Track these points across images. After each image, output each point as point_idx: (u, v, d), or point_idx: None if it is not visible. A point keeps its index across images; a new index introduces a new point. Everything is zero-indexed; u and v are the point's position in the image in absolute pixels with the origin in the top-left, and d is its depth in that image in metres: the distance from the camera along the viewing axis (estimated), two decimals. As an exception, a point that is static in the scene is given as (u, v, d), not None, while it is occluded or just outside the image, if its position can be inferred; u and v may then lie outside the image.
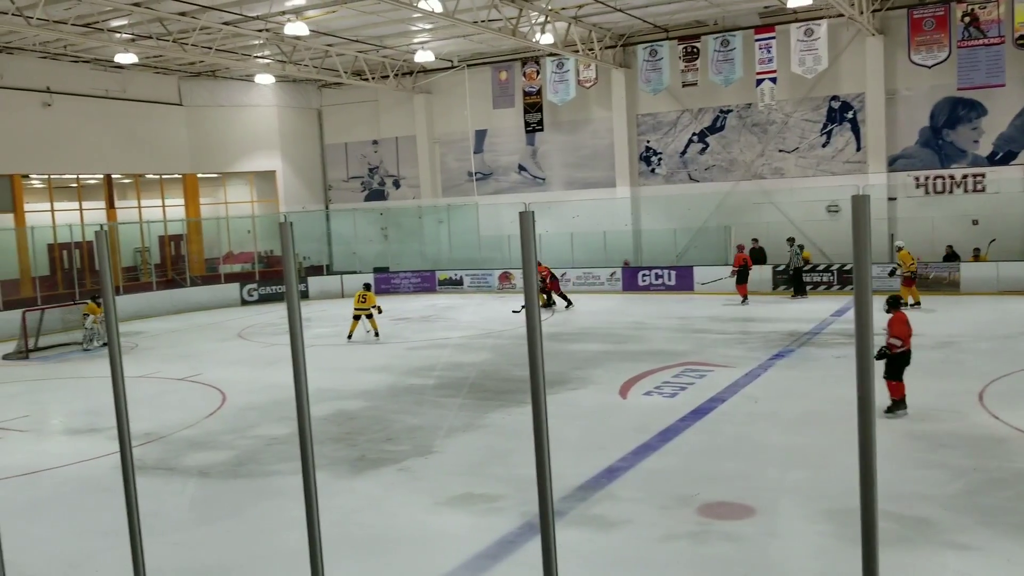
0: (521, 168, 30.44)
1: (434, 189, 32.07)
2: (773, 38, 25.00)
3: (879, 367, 10.40)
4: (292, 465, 9.56)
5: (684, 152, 27.68)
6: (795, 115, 25.91)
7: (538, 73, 28.89)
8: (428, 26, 24.75)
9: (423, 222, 32.15)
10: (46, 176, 27.76)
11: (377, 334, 19.39)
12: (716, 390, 12.56)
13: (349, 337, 19.36)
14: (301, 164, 33.16)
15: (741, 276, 22.74)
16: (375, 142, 33.13)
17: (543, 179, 30.09)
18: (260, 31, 23.37)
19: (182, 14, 21.38)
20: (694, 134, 27.47)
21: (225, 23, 22.42)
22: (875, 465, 2.41)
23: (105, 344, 19.09)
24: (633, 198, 28.28)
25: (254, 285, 29.50)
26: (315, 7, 21.79)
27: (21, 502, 9.08)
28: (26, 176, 26.99)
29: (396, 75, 30.09)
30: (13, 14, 18.85)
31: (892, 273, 21.58)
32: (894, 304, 10.74)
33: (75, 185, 29.13)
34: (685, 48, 26.40)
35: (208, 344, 20.32)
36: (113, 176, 29.66)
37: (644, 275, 26.70)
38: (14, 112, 25.49)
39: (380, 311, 19.71)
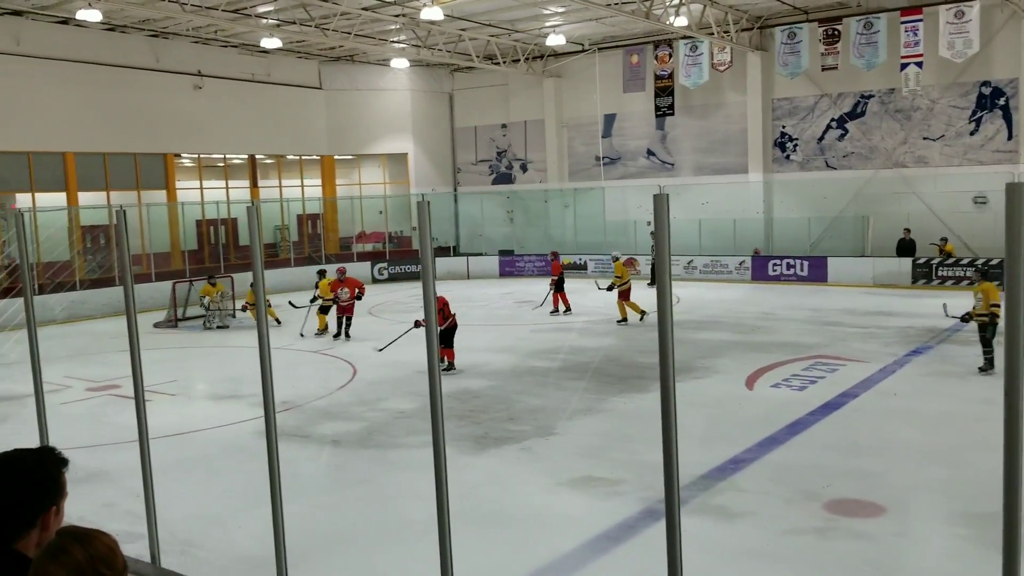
0: (650, 153, 30.07)
1: (561, 173, 32.11)
2: (920, 20, 23.69)
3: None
4: (418, 439, 9.86)
5: (821, 138, 26.68)
6: (941, 101, 24.52)
7: (670, 56, 28.41)
8: (560, 9, 24.73)
9: (549, 206, 32.26)
10: (196, 155, 29.36)
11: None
12: (848, 385, 12.14)
13: (322, 331, 18.56)
14: (432, 147, 33.83)
15: (559, 285, 21.31)
16: (504, 126, 33.42)
17: (672, 164, 29.63)
18: (397, 16, 23.94)
19: (324, 0, 22.14)
20: (832, 119, 26.42)
21: (364, 8, 23.07)
22: (1021, 468, 2.30)
23: (220, 327, 20.13)
24: (766, 184, 27.50)
25: (384, 264, 30.40)
26: (450, -8, 22.16)
27: (169, 461, 9.71)
28: (178, 155, 28.60)
29: (527, 59, 30.23)
30: (169, 1, 19.98)
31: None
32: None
33: (222, 164, 30.70)
34: (826, 31, 25.38)
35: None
36: (257, 156, 31.09)
37: (775, 264, 25.96)
38: (168, 94, 27.04)
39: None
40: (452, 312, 14.34)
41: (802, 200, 26.79)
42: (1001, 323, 11.71)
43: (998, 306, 12.05)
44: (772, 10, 25.81)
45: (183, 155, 29.00)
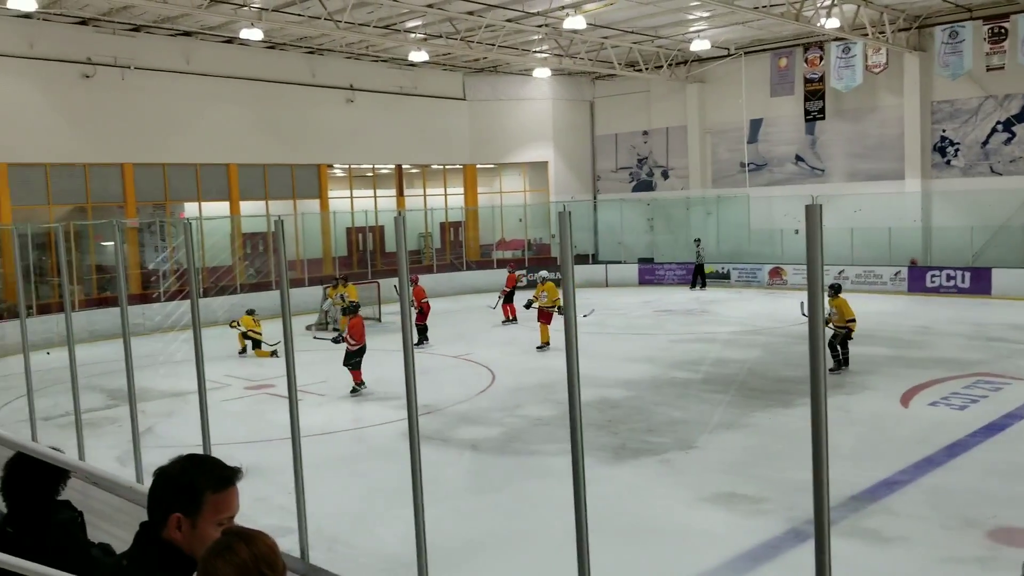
0: (798, 159, 29.05)
1: (703, 180, 31.50)
2: (1101, 12, 21.88)
3: None
4: (556, 447, 9.88)
5: (986, 142, 25.02)
6: None
7: (821, 59, 27.39)
8: (705, 14, 24.30)
9: (690, 213, 31.69)
10: (347, 166, 30.59)
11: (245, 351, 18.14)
12: (1014, 405, 11.32)
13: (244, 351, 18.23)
14: (572, 155, 33.92)
15: (508, 297, 21.76)
16: (645, 132, 33.11)
17: (822, 170, 28.52)
18: (540, 26, 24.17)
19: (470, 13, 22.61)
20: (998, 122, 24.73)
21: (508, 20, 23.42)
22: None
23: (336, 330, 20.62)
24: (924, 192, 26.03)
25: (523, 271, 30.66)
26: (594, 0, 22.13)
27: (317, 458, 10.09)
28: (330, 166, 29.87)
29: (669, 65, 29.86)
30: (325, 19, 20.93)
31: None
32: None
33: (371, 175, 31.85)
34: (991, 28, 23.81)
35: (480, 325, 21.40)
36: (403, 166, 32.07)
37: (933, 276, 24.54)
38: (322, 108, 28.30)
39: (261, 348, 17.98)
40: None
41: (964, 208, 25.18)
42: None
43: (853, 320, 14.10)
44: (932, 8, 24.45)
45: (335, 166, 30.24)
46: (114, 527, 5.29)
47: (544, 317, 17.63)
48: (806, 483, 2.31)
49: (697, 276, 28.43)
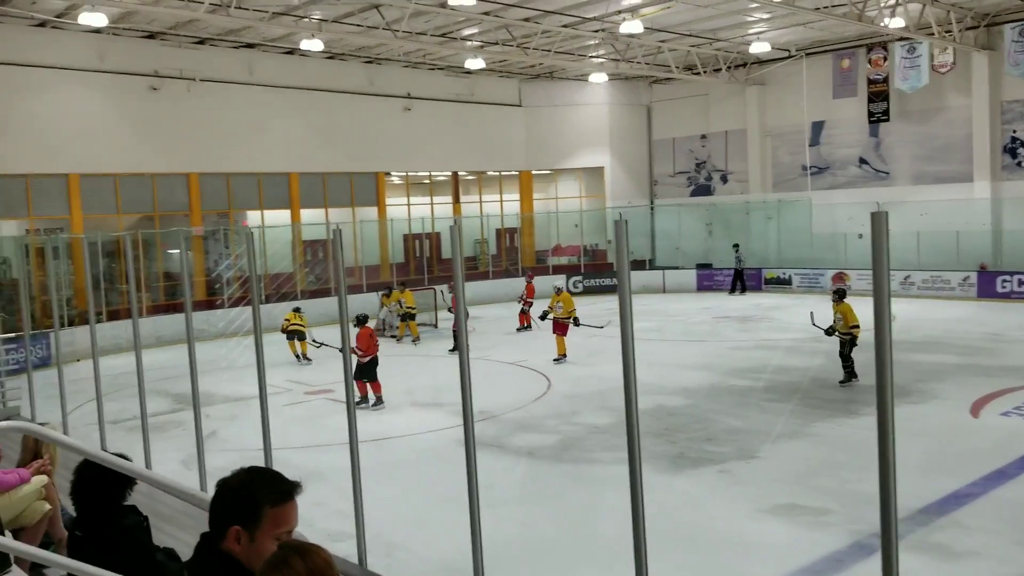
0: (862, 161, 28.44)
1: (763, 184, 31.03)
2: None
3: None
4: (612, 455, 9.80)
5: (1061, 142, 24.20)
6: None
7: (885, 59, 26.78)
8: (766, 16, 23.96)
9: (750, 218, 31.25)
10: (404, 173, 30.88)
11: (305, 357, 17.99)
12: (1094, 417, 10.88)
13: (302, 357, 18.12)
14: (628, 160, 33.72)
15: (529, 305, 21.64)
16: (703, 136, 32.76)
17: (886, 173, 27.87)
18: (596, 31, 24.11)
19: (526, 20, 22.66)
20: (1075, 121, 23.90)
21: (564, 26, 23.40)
22: None
23: (394, 336, 20.80)
24: (994, 194, 25.25)
25: (579, 277, 30.59)
26: (651, 4, 21.99)
27: (375, 464, 10.18)
28: (387, 173, 30.19)
29: (728, 68, 29.51)
30: (383, 28, 21.18)
31: None
32: None
33: (427, 182, 32.10)
34: (1066, 24, 23.04)
35: (534, 332, 21.35)
36: (459, 173, 32.25)
37: (1004, 281, 23.78)
38: (380, 116, 28.63)
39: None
40: (376, 343, 13.54)
41: (1037, 211, 24.38)
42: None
43: (857, 326, 13.32)
44: (1001, 6, 23.73)
45: (392, 173, 30.55)
46: (178, 530, 5.41)
47: (560, 328, 17.03)
48: (871, 495, 2.24)
49: (737, 281, 28.71)
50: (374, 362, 13.43)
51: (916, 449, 9.80)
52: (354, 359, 13.81)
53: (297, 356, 18.04)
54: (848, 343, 13.45)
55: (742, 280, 28.72)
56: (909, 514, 7.64)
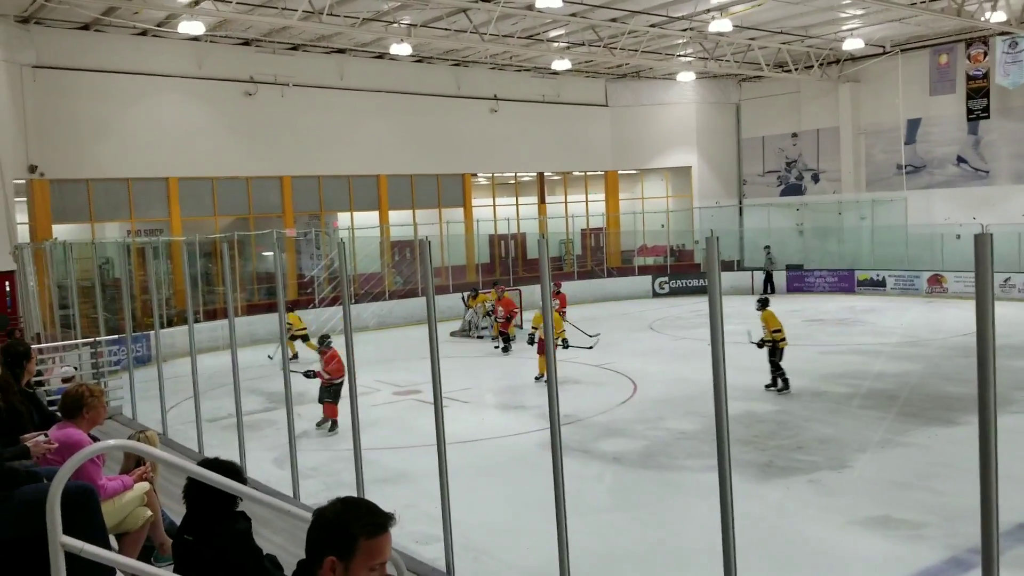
0: (960, 160, 27.35)
1: (857, 183, 30.13)
2: None
3: None
4: (699, 462, 9.69)
5: None
6: None
7: (985, 55, 25.70)
8: (859, 12, 23.26)
9: (843, 218, 30.38)
10: (490, 174, 31.11)
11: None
12: None
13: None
14: (716, 159, 33.20)
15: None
16: (794, 135, 32.01)
17: (986, 172, 26.74)
18: (684, 30, 23.82)
19: (613, 20, 22.56)
20: None
21: (651, 25, 23.20)
22: None
23: (480, 337, 21.09)
24: (1106, 193, 23.99)
25: (665, 278, 30.28)
26: (741, 2, 21.61)
27: (462, 467, 10.25)
28: (474, 175, 30.47)
29: (820, 65, 28.76)
30: (470, 32, 21.40)
31: None
32: None
33: (513, 182, 32.26)
34: None
35: (621, 334, 21.24)
36: (545, 174, 32.31)
37: (1117, 284, 22.56)
38: (467, 118, 28.91)
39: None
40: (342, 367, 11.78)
41: None
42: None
43: (779, 331, 13.61)
44: (1117, -7, 22.51)
45: (478, 174, 30.81)
46: (274, 534, 5.59)
47: (543, 348, 16.05)
48: (970, 508, 2.18)
49: (767, 284, 28.74)
50: (340, 385, 12.19)
51: (1019, 461, 9.39)
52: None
53: (295, 356, 18.21)
54: (777, 351, 13.62)
55: (772, 282, 28.70)
56: (1010, 528, 7.34)
